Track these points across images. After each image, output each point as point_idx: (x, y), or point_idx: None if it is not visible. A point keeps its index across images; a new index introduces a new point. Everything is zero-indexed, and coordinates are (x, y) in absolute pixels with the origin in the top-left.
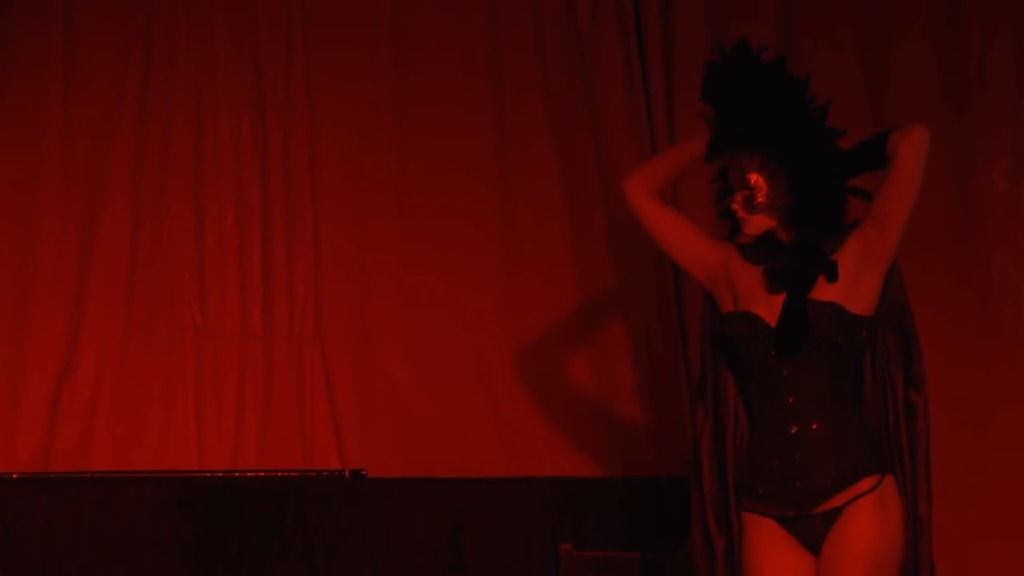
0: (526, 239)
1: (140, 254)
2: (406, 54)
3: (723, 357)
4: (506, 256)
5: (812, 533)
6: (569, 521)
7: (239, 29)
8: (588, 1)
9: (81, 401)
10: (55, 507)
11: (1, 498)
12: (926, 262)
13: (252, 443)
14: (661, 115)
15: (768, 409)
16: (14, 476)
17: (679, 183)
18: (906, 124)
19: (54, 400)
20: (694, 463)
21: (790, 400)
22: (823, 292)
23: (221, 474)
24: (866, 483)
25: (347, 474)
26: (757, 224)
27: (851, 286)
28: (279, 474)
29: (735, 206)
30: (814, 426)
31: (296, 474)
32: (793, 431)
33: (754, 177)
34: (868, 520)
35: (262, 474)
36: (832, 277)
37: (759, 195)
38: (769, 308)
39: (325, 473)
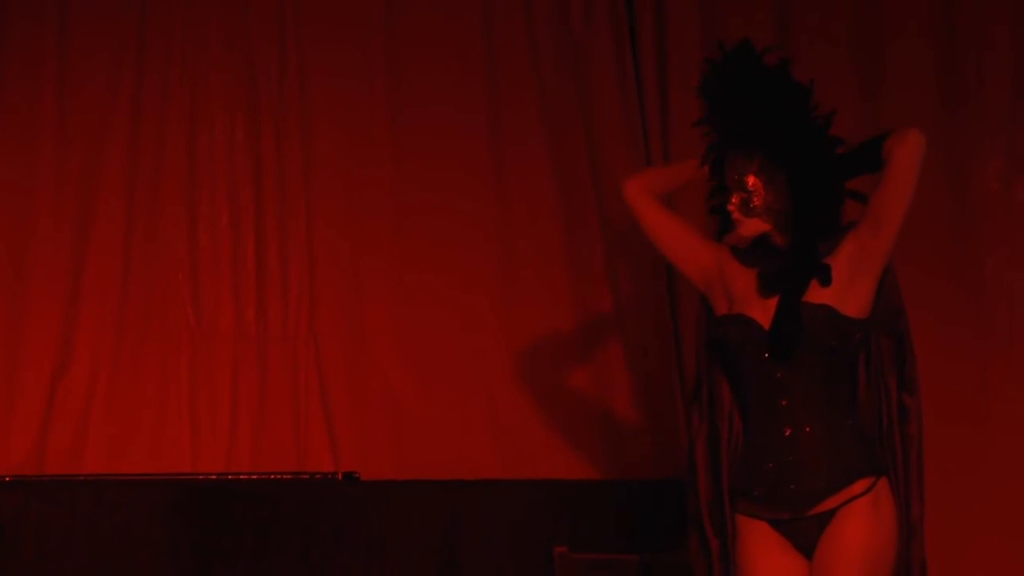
0: (520, 237)
1: (134, 254)
2: (400, 54)
3: (718, 360)
4: (501, 255)
5: (806, 536)
6: (564, 523)
7: (233, 29)
8: (581, 1)
9: (75, 402)
10: (49, 509)
11: None
12: (920, 262)
13: (246, 445)
14: (654, 114)
15: (762, 412)
16: (7, 479)
17: None
18: (902, 128)
19: (48, 401)
20: (689, 466)
21: (784, 403)
22: (817, 295)
23: (215, 476)
24: (860, 485)
25: (340, 476)
26: (751, 227)
27: (845, 289)
28: (273, 476)
29: (730, 207)
30: (808, 428)
31: (289, 476)
32: (787, 433)
33: (752, 180)
34: (862, 522)
35: (255, 476)
36: (825, 281)
37: (756, 198)
38: (763, 311)
39: (319, 475)
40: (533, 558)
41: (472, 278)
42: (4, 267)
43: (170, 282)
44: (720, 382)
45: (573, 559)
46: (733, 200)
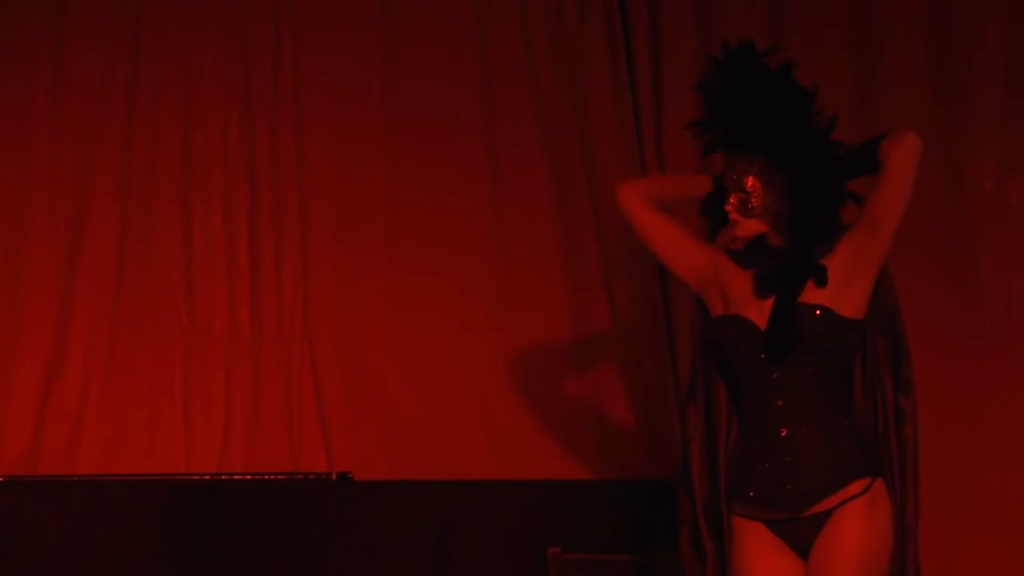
0: (515, 237)
1: (128, 254)
2: (395, 54)
3: (713, 361)
4: (496, 255)
5: (802, 536)
6: (557, 524)
7: (228, 28)
8: (576, 1)
9: (69, 402)
10: (43, 509)
11: None
12: (916, 262)
13: (240, 445)
14: (649, 114)
15: (758, 412)
16: (1, 479)
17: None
18: (898, 130)
19: (42, 401)
20: (685, 467)
21: (780, 403)
22: (813, 295)
23: (208, 476)
24: (856, 486)
25: (334, 477)
26: (749, 227)
27: (841, 289)
28: (267, 476)
29: (728, 207)
30: (804, 429)
31: (283, 476)
32: (783, 434)
33: (751, 182)
34: (858, 523)
35: (249, 477)
36: (821, 282)
37: (754, 199)
38: (759, 312)
39: (312, 476)
40: (527, 558)
41: (467, 278)
42: None
43: (164, 282)
44: (716, 383)
45: (567, 559)
46: (731, 200)
